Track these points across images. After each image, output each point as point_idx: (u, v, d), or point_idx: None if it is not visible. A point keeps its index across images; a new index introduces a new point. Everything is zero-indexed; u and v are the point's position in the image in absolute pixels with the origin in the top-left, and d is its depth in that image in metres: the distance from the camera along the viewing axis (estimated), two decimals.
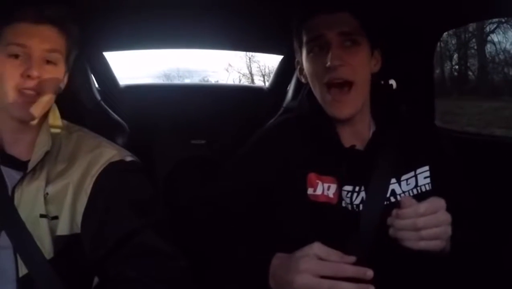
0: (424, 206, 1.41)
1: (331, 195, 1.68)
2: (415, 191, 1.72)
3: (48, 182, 1.60)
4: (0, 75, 1.59)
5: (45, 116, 1.69)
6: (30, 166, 1.59)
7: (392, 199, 1.68)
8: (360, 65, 1.70)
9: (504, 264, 1.67)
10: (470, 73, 15.46)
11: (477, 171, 1.91)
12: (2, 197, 1.58)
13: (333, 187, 1.68)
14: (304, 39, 1.76)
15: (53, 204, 1.59)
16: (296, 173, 1.71)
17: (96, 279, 1.67)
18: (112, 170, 1.65)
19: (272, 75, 4.03)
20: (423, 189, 1.72)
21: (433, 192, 1.68)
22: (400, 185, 1.72)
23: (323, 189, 1.69)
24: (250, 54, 19.93)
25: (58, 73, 1.66)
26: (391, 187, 1.70)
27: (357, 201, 1.69)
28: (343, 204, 1.68)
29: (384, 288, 1.36)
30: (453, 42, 15.26)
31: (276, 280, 1.43)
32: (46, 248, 1.56)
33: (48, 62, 1.62)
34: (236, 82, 20.19)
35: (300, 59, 1.82)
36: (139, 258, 1.53)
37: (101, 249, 1.56)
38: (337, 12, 1.70)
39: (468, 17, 2.54)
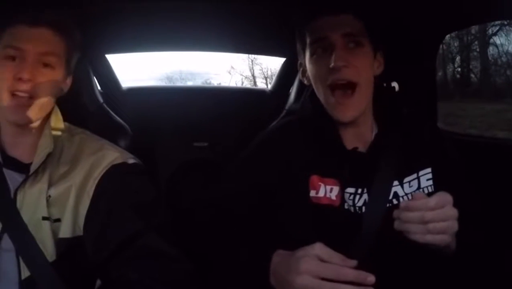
0: (434, 199, 1.41)
1: (333, 197, 1.68)
2: None
3: (50, 185, 1.60)
4: None
5: (47, 118, 1.69)
6: (32, 168, 1.59)
7: (395, 201, 1.68)
8: (364, 67, 1.69)
9: (507, 266, 1.67)
10: (472, 75, 15.47)
11: (480, 173, 1.91)
12: (4, 200, 1.58)
13: (336, 189, 1.68)
14: (308, 40, 1.76)
15: (55, 206, 1.59)
16: (299, 175, 1.70)
17: (98, 282, 1.67)
18: (115, 172, 1.65)
19: (274, 78, 4.03)
20: (426, 191, 1.72)
21: None
22: (402, 187, 1.72)
23: (325, 191, 1.69)
24: (252, 56, 19.99)
25: (55, 76, 1.65)
26: (393, 189, 1.70)
27: (359, 203, 1.68)
28: (346, 206, 1.68)
29: None
30: (456, 44, 15.28)
31: (276, 278, 1.42)
32: (49, 250, 1.56)
33: (45, 65, 1.62)
34: (239, 85, 20.19)
35: (303, 61, 1.82)
36: (142, 260, 1.53)
37: (104, 252, 1.56)
38: (341, 14, 1.70)
39: (470, 20, 2.53)
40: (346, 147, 1.72)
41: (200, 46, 3.69)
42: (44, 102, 1.62)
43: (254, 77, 22.61)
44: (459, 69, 15.58)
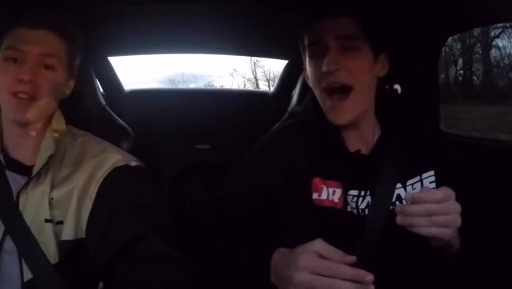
0: (440, 192, 1.41)
1: (336, 200, 1.68)
2: None
3: (53, 187, 1.61)
4: None
5: (49, 120, 1.69)
6: (35, 170, 1.59)
7: (398, 204, 1.68)
8: (359, 70, 1.68)
9: (509, 268, 1.67)
10: (475, 78, 15.44)
11: (482, 175, 1.91)
12: (7, 202, 1.59)
13: (338, 191, 1.68)
14: (306, 43, 1.76)
15: (58, 209, 1.60)
16: (301, 178, 1.70)
17: (101, 284, 1.67)
18: (117, 175, 1.65)
19: (277, 80, 4.03)
20: None
21: None
22: (405, 189, 1.72)
23: (328, 193, 1.69)
24: (255, 59, 19.92)
25: (56, 78, 1.66)
26: (396, 191, 1.70)
27: (362, 206, 1.68)
28: (349, 209, 1.68)
29: None
30: (458, 47, 15.25)
31: (277, 274, 1.42)
32: (51, 253, 1.57)
33: (46, 66, 1.62)
34: (241, 87, 20.16)
35: (305, 64, 1.82)
36: (144, 262, 1.53)
37: (106, 254, 1.56)
38: (338, 16, 1.69)
39: (473, 22, 2.54)
40: (348, 150, 1.72)
41: (202, 49, 3.70)
42: (45, 103, 1.62)
43: (256, 79, 22.57)
44: (462, 72, 15.55)
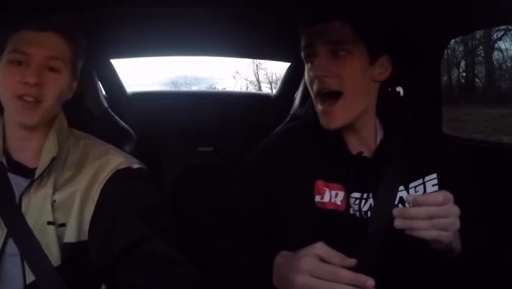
0: (441, 195, 1.41)
1: (338, 202, 1.68)
2: None
3: (55, 190, 1.61)
4: (2, 82, 1.60)
5: (51, 123, 1.69)
6: (37, 173, 1.59)
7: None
8: (350, 75, 1.66)
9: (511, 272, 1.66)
10: (477, 80, 15.45)
11: (485, 178, 1.90)
12: (9, 205, 1.59)
13: (341, 194, 1.68)
14: (301, 47, 1.76)
15: (60, 211, 1.59)
16: (304, 181, 1.70)
17: (103, 287, 1.67)
18: (119, 177, 1.65)
19: (279, 83, 4.04)
20: None
21: None
22: (408, 192, 1.71)
23: (330, 196, 1.69)
24: (257, 61, 19.93)
25: (60, 81, 1.65)
26: (399, 194, 1.70)
27: (365, 208, 1.68)
28: (351, 211, 1.68)
29: None
30: (460, 49, 15.26)
31: (279, 277, 1.43)
32: (53, 255, 1.56)
33: (51, 69, 1.62)
34: (243, 90, 20.18)
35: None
36: (147, 265, 1.53)
37: (109, 257, 1.56)
38: (331, 20, 1.67)
39: (475, 24, 2.54)
40: (351, 152, 1.72)
41: (205, 51, 3.70)
42: (50, 106, 1.62)
43: (259, 82, 22.58)
44: (464, 74, 15.56)
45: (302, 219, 1.68)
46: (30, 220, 1.57)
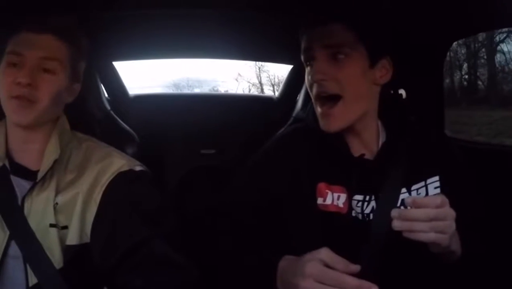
0: (439, 198, 1.42)
1: (341, 205, 1.68)
2: None
3: (57, 192, 1.61)
4: (1, 83, 1.61)
5: (53, 125, 1.70)
6: (40, 175, 1.60)
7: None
8: (349, 78, 1.66)
9: None
10: (479, 82, 15.41)
11: (488, 180, 1.90)
12: (12, 207, 1.59)
13: (343, 196, 1.68)
14: (301, 50, 1.77)
15: (62, 213, 1.60)
16: (306, 183, 1.70)
17: None
18: (122, 179, 1.65)
19: (281, 85, 4.04)
20: None
21: None
22: (410, 195, 1.71)
23: (332, 198, 1.68)
24: (259, 63, 19.92)
25: (56, 82, 1.64)
26: (401, 196, 1.70)
27: (367, 210, 1.68)
28: (353, 214, 1.68)
29: None
30: (463, 51, 15.22)
31: (283, 281, 1.44)
32: (56, 257, 1.56)
33: (45, 70, 1.62)
34: (246, 92, 20.17)
35: None
36: (148, 267, 1.53)
37: (111, 259, 1.56)
38: (330, 24, 1.67)
39: (478, 27, 2.53)
40: (353, 155, 1.72)
41: (207, 54, 3.70)
42: (45, 107, 1.62)
43: (261, 84, 22.55)
44: (466, 77, 15.53)
45: (304, 222, 1.68)
46: (33, 222, 1.57)
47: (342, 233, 1.62)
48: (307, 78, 1.74)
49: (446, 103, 2.74)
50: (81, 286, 1.59)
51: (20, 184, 1.63)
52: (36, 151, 1.66)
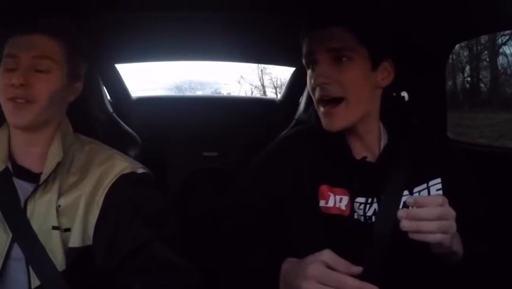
0: (440, 197, 1.43)
1: (343, 207, 1.68)
2: None
3: (60, 195, 1.61)
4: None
5: (56, 128, 1.70)
6: (42, 178, 1.60)
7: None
8: (352, 82, 1.66)
9: None
10: (482, 85, 15.39)
11: (489, 183, 1.90)
12: (15, 210, 1.59)
13: (345, 199, 1.68)
14: (303, 54, 1.77)
15: (65, 216, 1.60)
16: (308, 185, 1.71)
17: None
18: (124, 182, 1.65)
19: (284, 87, 4.03)
20: None
21: None
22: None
23: (335, 201, 1.69)
24: (262, 66, 19.90)
25: (51, 81, 1.64)
26: (403, 199, 1.69)
27: (369, 213, 1.69)
28: (356, 216, 1.68)
29: None
30: (465, 54, 15.21)
31: (286, 284, 1.44)
32: (58, 260, 1.57)
33: (40, 70, 1.62)
34: (248, 94, 20.17)
35: None
36: (149, 270, 1.54)
37: (113, 261, 1.56)
38: (331, 26, 1.67)
39: (480, 29, 2.53)
40: (355, 157, 1.72)
41: (209, 56, 3.70)
42: (42, 107, 1.62)
43: (263, 86, 22.54)
44: (469, 79, 15.51)
45: (306, 224, 1.68)
46: (35, 225, 1.58)
47: (344, 236, 1.62)
48: (309, 81, 1.74)
49: (449, 105, 2.74)
50: (83, 288, 1.59)
51: (22, 187, 1.63)
52: (38, 153, 1.67)
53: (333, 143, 1.73)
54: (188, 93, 16.18)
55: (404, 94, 2.41)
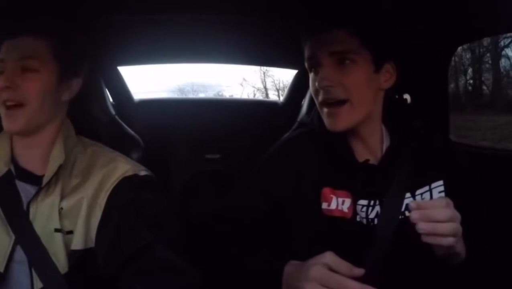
0: (444, 200, 1.43)
1: (345, 210, 1.68)
2: None
3: (62, 197, 1.61)
4: None
5: (58, 130, 1.71)
6: (45, 180, 1.60)
7: (407, 214, 1.67)
8: (356, 84, 1.66)
9: None
10: (484, 87, 15.39)
11: (492, 185, 1.90)
12: (17, 212, 1.59)
13: (348, 201, 1.68)
14: (305, 57, 1.76)
15: (67, 218, 1.60)
16: (310, 188, 1.71)
17: None
18: (126, 184, 1.65)
19: (286, 90, 4.03)
20: None
21: None
22: (414, 199, 1.71)
23: (337, 203, 1.69)
24: (264, 68, 19.89)
25: (41, 79, 1.64)
26: (406, 201, 1.69)
27: (372, 215, 1.69)
28: (358, 219, 1.68)
29: None
30: (468, 56, 15.22)
31: (288, 286, 1.45)
32: (61, 262, 1.57)
33: (26, 70, 1.62)
34: (251, 97, 20.18)
35: None
36: (151, 272, 1.54)
37: (115, 263, 1.57)
38: (334, 30, 1.67)
39: (482, 32, 2.53)
40: (357, 159, 1.72)
41: (212, 58, 3.70)
42: (34, 109, 1.62)
43: (266, 89, 22.53)
44: (471, 81, 15.53)
45: (309, 226, 1.69)
46: (38, 227, 1.58)
47: (346, 238, 1.63)
48: (312, 84, 1.74)
49: (451, 107, 2.74)
50: None
51: (25, 189, 1.63)
52: (40, 156, 1.67)
53: (336, 146, 1.73)
54: (191, 96, 16.21)
55: (407, 96, 2.41)
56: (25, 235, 1.57)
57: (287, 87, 4.01)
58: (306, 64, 1.76)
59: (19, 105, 1.59)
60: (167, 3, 2.05)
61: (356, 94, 1.66)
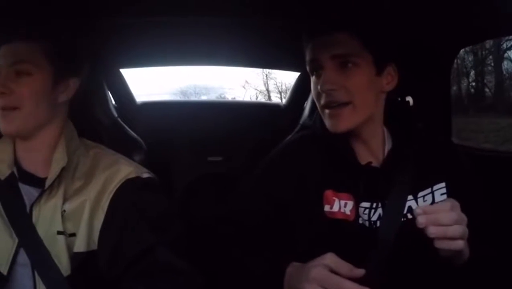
0: (448, 203, 1.43)
1: (348, 212, 1.68)
2: None
3: (65, 199, 1.61)
4: None
5: (60, 133, 1.71)
6: (48, 183, 1.60)
7: (409, 216, 1.68)
8: (358, 87, 1.66)
9: None
10: (487, 90, 15.36)
11: (494, 187, 1.90)
12: (20, 215, 1.60)
13: (350, 204, 1.68)
14: (306, 60, 1.76)
15: (70, 221, 1.60)
16: (313, 190, 1.71)
17: None
18: (129, 186, 1.66)
19: (289, 92, 4.03)
20: None
21: None
22: (417, 201, 1.71)
23: (339, 206, 1.68)
24: (267, 71, 19.91)
25: (34, 82, 1.63)
26: (408, 203, 1.70)
27: (374, 218, 1.68)
28: (360, 221, 1.67)
29: None
30: (470, 59, 15.19)
31: (290, 288, 1.46)
32: (64, 265, 1.57)
33: (19, 74, 1.62)
34: (253, 99, 20.16)
35: None
36: (152, 274, 1.55)
37: (118, 266, 1.57)
38: (335, 32, 1.67)
39: (485, 34, 2.53)
40: (360, 162, 1.72)
41: (214, 61, 3.71)
42: (29, 111, 1.62)
43: (268, 91, 22.51)
44: (474, 84, 15.49)
45: (311, 229, 1.68)
46: (41, 230, 1.58)
47: (349, 240, 1.62)
48: (313, 87, 1.74)
49: (454, 110, 2.74)
50: None
51: (28, 192, 1.64)
52: (43, 158, 1.68)
53: (338, 148, 1.73)
54: (193, 98, 16.20)
55: (409, 99, 2.41)
56: (28, 237, 1.57)
57: (290, 90, 4.01)
58: (307, 67, 1.76)
59: (12, 109, 1.60)
60: (169, 5, 2.05)
61: (358, 96, 1.66)
